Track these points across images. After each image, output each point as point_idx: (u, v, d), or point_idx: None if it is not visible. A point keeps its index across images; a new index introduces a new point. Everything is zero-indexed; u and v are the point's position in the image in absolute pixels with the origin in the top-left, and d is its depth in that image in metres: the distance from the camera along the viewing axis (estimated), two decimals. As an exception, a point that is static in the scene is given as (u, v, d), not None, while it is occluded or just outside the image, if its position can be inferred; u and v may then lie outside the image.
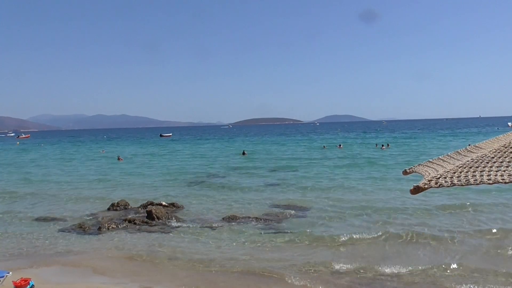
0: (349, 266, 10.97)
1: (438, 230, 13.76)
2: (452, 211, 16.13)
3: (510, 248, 11.76)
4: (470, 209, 16.31)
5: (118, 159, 46.95)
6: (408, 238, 13.00)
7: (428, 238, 12.93)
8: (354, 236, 13.37)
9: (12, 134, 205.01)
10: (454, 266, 10.60)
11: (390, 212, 16.36)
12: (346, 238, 13.25)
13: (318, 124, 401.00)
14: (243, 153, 49.46)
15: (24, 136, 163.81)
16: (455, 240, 12.62)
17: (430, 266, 10.72)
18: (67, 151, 70.65)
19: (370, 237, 13.33)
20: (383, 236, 13.32)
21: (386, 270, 10.52)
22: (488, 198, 17.93)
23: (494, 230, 13.37)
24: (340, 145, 57.24)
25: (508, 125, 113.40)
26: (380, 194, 20.46)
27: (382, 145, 52.42)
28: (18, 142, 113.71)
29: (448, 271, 10.37)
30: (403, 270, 10.47)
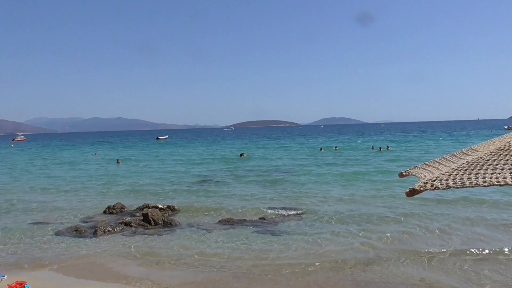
0: (345, 268, 11.00)
1: (436, 232, 13.82)
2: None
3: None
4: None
5: (117, 162, 46.76)
6: (406, 239, 13.05)
7: (426, 239, 13.00)
8: (351, 239, 13.41)
9: (22, 137, 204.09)
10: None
11: (386, 217, 16.38)
12: (344, 240, 13.28)
13: (322, 126, 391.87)
14: (241, 155, 49.51)
15: (19, 138, 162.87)
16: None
17: (427, 265, 10.81)
18: (62, 154, 70.27)
19: (367, 239, 13.35)
20: (379, 241, 13.35)
21: (383, 273, 10.56)
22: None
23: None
24: (335, 147, 57.14)
25: (504, 128, 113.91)
26: (376, 197, 20.44)
27: (380, 148, 51.13)
28: (12, 145, 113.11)
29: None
30: (400, 272, 10.51)
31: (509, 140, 3.12)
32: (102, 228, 15.72)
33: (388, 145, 55.10)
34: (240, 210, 18.61)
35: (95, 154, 63.96)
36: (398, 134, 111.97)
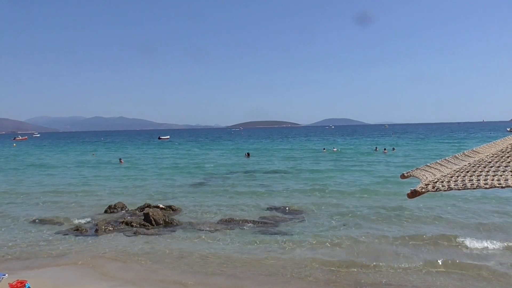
0: (345, 269, 10.99)
1: (434, 234, 13.81)
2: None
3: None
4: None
5: (120, 161, 46.61)
6: (405, 241, 13.00)
7: (424, 241, 12.95)
8: (351, 241, 13.39)
9: (38, 135, 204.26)
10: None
11: (387, 216, 16.38)
12: (343, 242, 13.26)
13: (332, 127, 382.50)
14: (247, 155, 49.73)
15: (21, 138, 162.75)
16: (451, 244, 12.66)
17: (425, 266, 10.82)
18: (61, 153, 70.30)
19: (367, 240, 13.33)
20: (380, 243, 13.33)
21: (383, 274, 10.54)
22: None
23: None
24: (334, 149, 57.01)
25: (507, 130, 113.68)
26: (377, 198, 20.41)
27: (385, 149, 50.52)
28: (14, 144, 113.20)
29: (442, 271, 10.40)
30: (399, 273, 10.49)
31: (511, 142, 3.11)
32: (103, 227, 15.73)
33: (394, 147, 54.52)
34: (240, 211, 18.60)
35: (93, 154, 63.69)
36: (402, 135, 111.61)
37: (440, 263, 11.02)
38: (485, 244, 12.41)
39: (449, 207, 17.34)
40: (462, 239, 12.98)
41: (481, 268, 10.60)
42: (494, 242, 12.50)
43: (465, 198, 18.49)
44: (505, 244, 12.33)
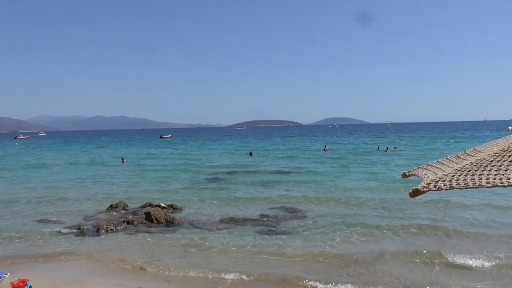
0: (347, 269, 10.98)
1: (436, 241, 13.77)
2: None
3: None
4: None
5: (122, 161, 46.38)
6: (408, 245, 12.92)
7: (425, 249, 12.81)
8: (352, 242, 13.39)
9: (44, 134, 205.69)
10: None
11: (389, 220, 16.29)
12: (344, 243, 13.23)
13: (337, 126, 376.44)
14: (250, 154, 49.71)
15: (22, 137, 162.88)
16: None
17: (426, 276, 10.64)
18: (63, 152, 70.41)
19: (368, 241, 13.30)
20: (381, 242, 13.30)
21: (384, 276, 10.52)
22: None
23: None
24: (332, 147, 56.83)
25: (508, 129, 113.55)
26: (379, 201, 20.20)
27: (387, 148, 50.23)
28: (16, 143, 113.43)
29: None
30: (401, 278, 10.45)
31: (513, 141, 3.09)
32: (104, 226, 15.76)
33: (396, 146, 54.21)
34: (242, 210, 18.59)
35: (94, 153, 63.60)
36: (404, 134, 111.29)
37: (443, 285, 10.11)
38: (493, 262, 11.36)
39: (453, 215, 16.76)
40: (471, 256, 11.71)
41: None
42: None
43: (475, 206, 18.20)
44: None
